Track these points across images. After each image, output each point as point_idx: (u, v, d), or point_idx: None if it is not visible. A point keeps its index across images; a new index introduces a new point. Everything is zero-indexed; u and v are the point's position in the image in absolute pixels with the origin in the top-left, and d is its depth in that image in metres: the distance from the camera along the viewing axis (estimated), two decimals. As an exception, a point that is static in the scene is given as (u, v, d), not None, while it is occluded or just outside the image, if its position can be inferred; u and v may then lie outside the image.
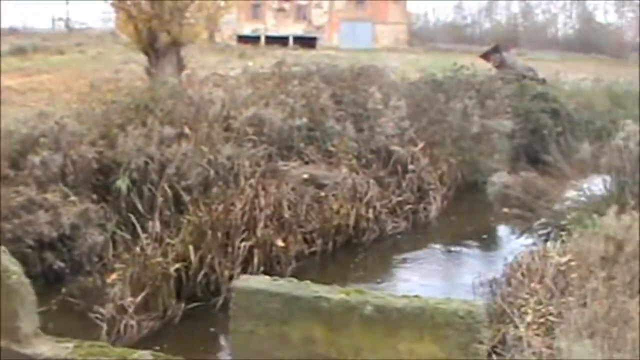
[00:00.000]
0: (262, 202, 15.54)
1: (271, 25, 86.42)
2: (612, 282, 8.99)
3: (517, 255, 14.33)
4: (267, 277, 8.06)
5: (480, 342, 6.73)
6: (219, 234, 14.36)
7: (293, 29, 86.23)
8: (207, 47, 56.40)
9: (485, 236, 19.08)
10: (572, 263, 11.02)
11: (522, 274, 13.12)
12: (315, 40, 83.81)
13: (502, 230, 19.28)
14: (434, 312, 6.91)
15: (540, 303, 11.40)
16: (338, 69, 23.66)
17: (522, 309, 11.30)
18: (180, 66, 27.97)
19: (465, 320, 6.84)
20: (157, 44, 26.70)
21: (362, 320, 7.04)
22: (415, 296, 7.26)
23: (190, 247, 13.77)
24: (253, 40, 77.93)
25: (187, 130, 16.64)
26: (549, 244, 14.06)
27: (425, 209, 20.03)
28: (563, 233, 13.93)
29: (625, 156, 14.28)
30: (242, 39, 79.54)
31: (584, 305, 9.53)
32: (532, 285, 12.16)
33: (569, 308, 9.88)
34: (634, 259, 8.97)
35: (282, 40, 76.77)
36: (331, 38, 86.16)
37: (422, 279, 15.75)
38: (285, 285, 7.78)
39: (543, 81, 34.47)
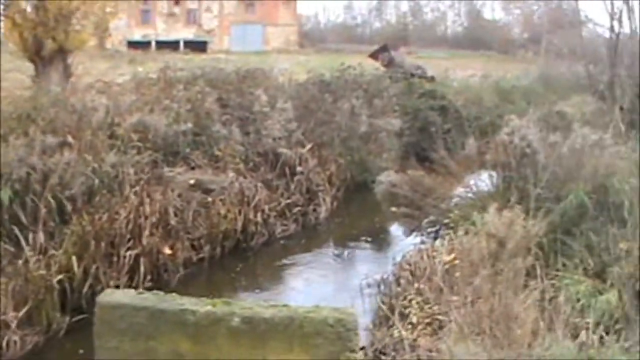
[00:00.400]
0: (147, 209, 15.22)
1: (162, 30, 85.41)
2: (496, 279, 8.90)
3: (406, 254, 14.30)
4: (132, 290, 7.80)
5: (352, 351, 6.58)
6: (104, 244, 14.07)
7: (184, 33, 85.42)
8: (97, 53, 55.47)
9: (375, 236, 19.07)
10: (456, 262, 10.95)
11: (411, 273, 13.06)
12: (206, 44, 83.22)
13: (393, 229, 19.27)
14: (303, 322, 6.74)
15: (428, 302, 11.33)
16: (224, 72, 23.29)
17: (408, 310, 11.22)
18: (67, 74, 27.34)
19: (336, 329, 6.68)
20: (43, 52, 26.05)
21: (230, 332, 6.83)
22: (284, 305, 7.08)
23: (74, 258, 13.35)
24: (144, 45, 76.98)
25: (70, 139, 16.13)
26: (437, 241, 14.07)
27: (314, 210, 19.97)
28: (451, 230, 13.91)
29: (509, 151, 14.28)
30: (133, 44, 78.50)
31: (470, 303, 9.46)
32: (420, 285, 12.10)
33: (456, 307, 9.81)
34: (517, 256, 8.88)
35: (172, 45, 76.02)
36: (222, 41, 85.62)
37: (309, 284, 15.69)
38: (151, 298, 7.50)
39: (432, 79, 34.73)
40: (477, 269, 9.06)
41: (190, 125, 18.41)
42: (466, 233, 12.06)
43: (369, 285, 13.74)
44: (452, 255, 11.61)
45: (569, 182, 13.37)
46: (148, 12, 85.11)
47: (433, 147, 20.33)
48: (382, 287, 13.55)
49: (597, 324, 9.98)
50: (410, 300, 11.76)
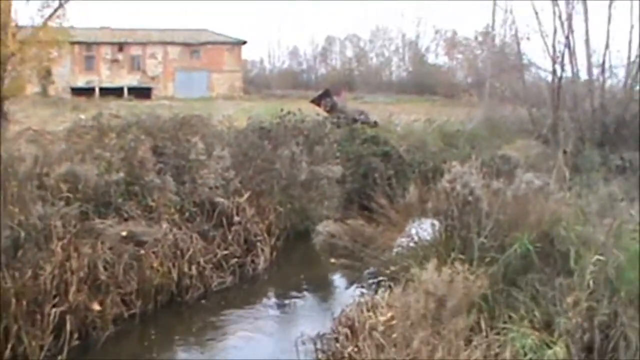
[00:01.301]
0: (75, 264, 14.36)
1: (106, 77, 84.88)
2: (436, 339, 8.26)
3: (345, 308, 13.73)
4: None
5: None
6: (26, 301, 13.16)
7: (128, 79, 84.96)
8: (40, 100, 55.06)
9: (315, 288, 18.55)
10: (394, 322, 10.31)
11: (350, 329, 12.52)
12: (151, 91, 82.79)
13: (334, 280, 18.70)
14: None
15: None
16: (160, 119, 22.50)
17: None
18: (4, 121, 26.71)
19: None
20: (-21, 100, 25.44)
21: None
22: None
23: (-11, 320, 12.53)
24: (88, 92, 76.38)
25: (-7, 190, 15.35)
26: (378, 295, 13.52)
27: (253, 261, 19.33)
28: (391, 282, 13.41)
29: (451, 199, 13.74)
30: (77, 91, 77.84)
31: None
32: (359, 342, 11.56)
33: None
34: (458, 314, 8.25)
35: (116, 92, 75.31)
36: (167, 88, 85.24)
37: (246, 341, 14.93)
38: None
39: (375, 124, 34.40)
40: (416, 330, 8.43)
41: (122, 174, 17.62)
42: (404, 289, 11.46)
43: (304, 343, 13.08)
44: (390, 314, 10.98)
45: (513, 230, 12.92)
46: (92, 59, 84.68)
47: (376, 193, 19.78)
48: (319, 344, 12.93)
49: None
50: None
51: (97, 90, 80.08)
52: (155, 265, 16.27)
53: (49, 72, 65.78)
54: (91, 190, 16.97)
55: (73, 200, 16.24)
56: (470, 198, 13.43)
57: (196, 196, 19.12)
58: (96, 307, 14.47)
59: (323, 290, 18.54)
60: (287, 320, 16.38)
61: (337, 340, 12.56)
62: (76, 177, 16.85)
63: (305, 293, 18.20)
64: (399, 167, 28.54)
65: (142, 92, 77.20)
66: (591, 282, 11.12)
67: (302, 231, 21.56)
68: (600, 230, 12.15)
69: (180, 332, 15.39)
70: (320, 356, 12.50)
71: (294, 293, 18.15)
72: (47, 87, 70.98)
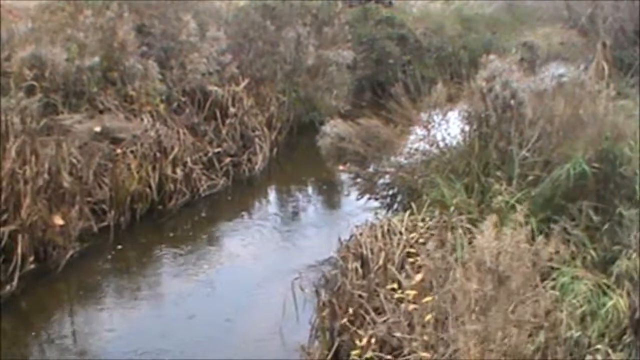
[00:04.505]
0: (30, 170, 11.87)
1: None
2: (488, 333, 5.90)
3: (355, 230, 11.49)
4: None
5: None
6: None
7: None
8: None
9: (321, 193, 16.44)
10: (427, 298, 7.83)
11: (361, 259, 10.33)
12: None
13: (343, 183, 16.29)
14: None
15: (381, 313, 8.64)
16: (147, -6, 19.85)
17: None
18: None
19: None
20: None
21: None
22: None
23: None
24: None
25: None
26: (395, 218, 11.26)
27: (249, 160, 17.12)
28: (412, 201, 11.29)
29: (489, 102, 11.35)
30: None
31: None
32: (372, 284, 9.38)
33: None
34: (523, 293, 5.84)
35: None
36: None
37: (235, 267, 12.57)
38: None
39: (389, 4, 31.82)
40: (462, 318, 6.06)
41: (97, 59, 15.13)
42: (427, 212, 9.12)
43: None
44: (419, 276, 8.58)
45: (563, 144, 10.63)
46: None
47: (390, 80, 17.53)
48: (323, 281, 10.72)
49: (602, 336, 7.48)
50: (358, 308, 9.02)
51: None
52: (133, 167, 13.96)
53: None
54: (60, 78, 14.52)
55: (38, 90, 13.77)
56: (512, 102, 11.08)
57: (185, 84, 16.76)
58: (58, 221, 12.11)
59: (330, 197, 16.35)
60: (286, 238, 14.04)
61: (344, 275, 10.29)
62: (43, 62, 14.35)
63: (309, 199, 16.20)
64: (416, 52, 26.41)
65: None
66: (662, 216, 8.77)
67: (307, 123, 19.35)
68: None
69: (158, 250, 13.03)
70: (323, 295, 10.25)
71: (295, 199, 16.22)
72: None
